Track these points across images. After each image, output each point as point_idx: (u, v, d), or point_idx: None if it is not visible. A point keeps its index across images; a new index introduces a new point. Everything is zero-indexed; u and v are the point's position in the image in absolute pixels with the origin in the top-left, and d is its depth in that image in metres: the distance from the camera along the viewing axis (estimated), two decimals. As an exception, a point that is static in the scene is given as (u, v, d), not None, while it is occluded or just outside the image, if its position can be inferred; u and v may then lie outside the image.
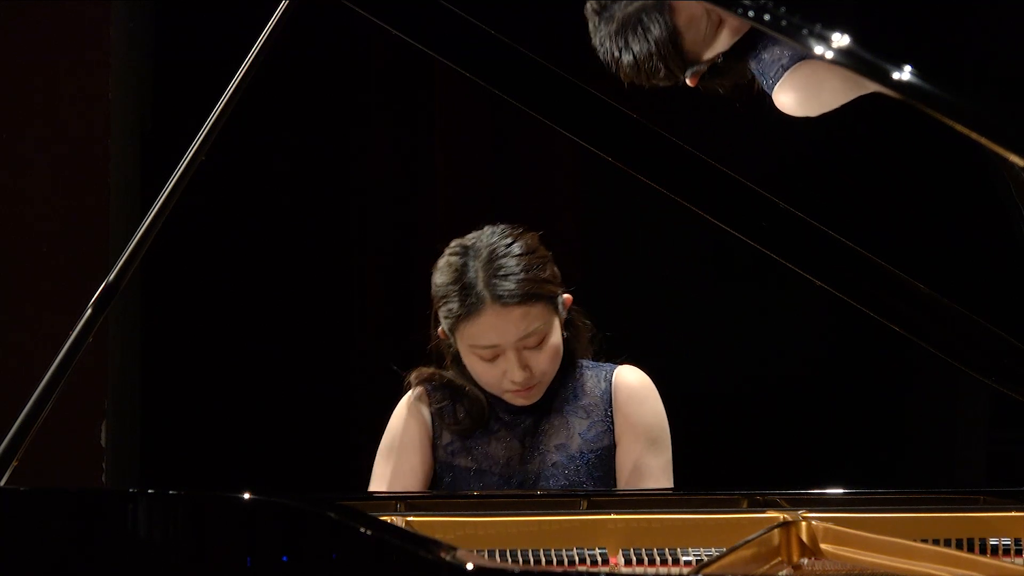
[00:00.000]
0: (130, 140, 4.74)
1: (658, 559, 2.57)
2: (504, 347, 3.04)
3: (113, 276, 2.71)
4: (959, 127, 2.10)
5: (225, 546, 2.31)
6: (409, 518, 2.63)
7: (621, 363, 3.21)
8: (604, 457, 3.12)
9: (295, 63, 4.86)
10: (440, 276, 3.09)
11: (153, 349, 4.96)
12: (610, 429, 3.13)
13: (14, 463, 2.56)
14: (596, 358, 3.23)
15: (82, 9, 4.50)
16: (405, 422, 3.16)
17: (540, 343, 3.05)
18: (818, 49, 2.16)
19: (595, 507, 2.79)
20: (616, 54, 2.71)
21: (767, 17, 2.21)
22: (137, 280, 4.74)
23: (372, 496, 3.03)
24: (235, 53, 2.84)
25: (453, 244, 3.12)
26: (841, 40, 2.15)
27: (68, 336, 2.66)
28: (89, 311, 2.68)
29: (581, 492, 3.04)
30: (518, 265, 3.05)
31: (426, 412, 3.15)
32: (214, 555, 2.31)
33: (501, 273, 3.04)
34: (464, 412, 3.12)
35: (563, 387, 3.14)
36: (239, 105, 2.82)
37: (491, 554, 2.58)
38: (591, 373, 3.17)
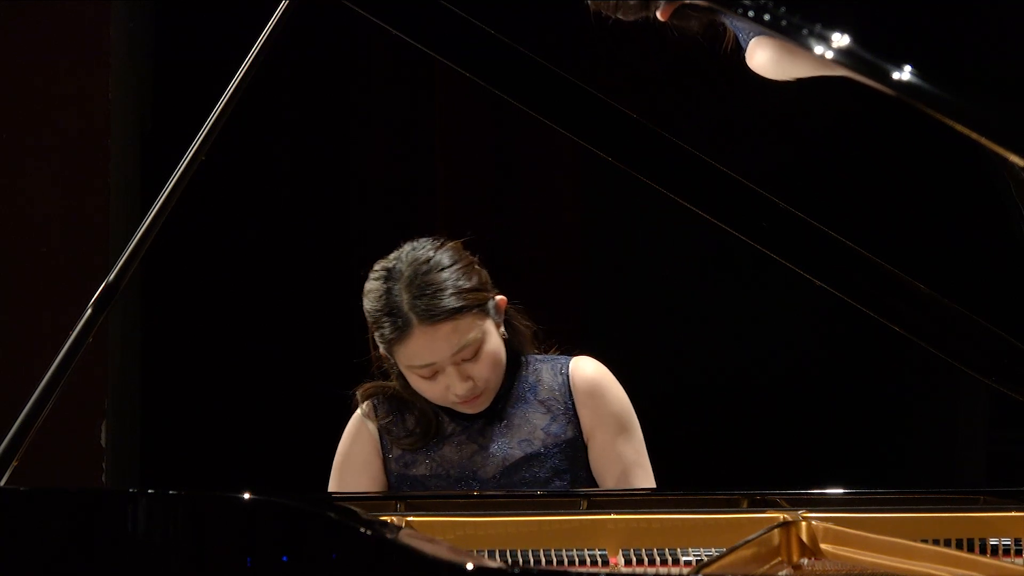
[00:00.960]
0: (130, 140, 4.74)
1: (658, 559, 2.57)
2: (441, 364, 3.02)
3: (113, 276, 2.71)
4: (959, 127, 2.10)
5: (225, 546, 2.31)
6: (409, 518, 2.62)
7: (575, 355, 3.20)
8: (568, 450, 3.11)
9: (295, 63, 4.86)
10: (368, 302, 3.07)
11: (153, 349, 4.96)
12: (573, 422, 3.12)
13: (14, 463, 2.56)
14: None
15: (82, 9, 4.50)
16: (352, 440, 3.17)
17: (476, 353, 3.03)
18: (818, 49, 2.16)
19: (595, 507, 2.79)
20: None
21: (767, 17, 2.21)
22: (137, 280, 4.74)
23: (372, 496, 3.03)
24: (235, 53, 2.84)
25: (376, 267, 3.09)
26: (841, 40, 2.14)
27: (68, 336, 2.66)
28: (89, 311, 2.68)
29: (581, 492, 3.03)
30: (441, 280, 3.02)
31: (373, 428, 3.15)
32: (214, 555, 2.31)
33: (426, 292, 3.01)
34: (413, 424, 3.12)
35: (517, 385, 3.13)
36: (239, 105, 2.82)
37: (491, 554, 2.58)
38: (546, 367, 3.16)
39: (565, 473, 3.10)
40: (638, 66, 4.48)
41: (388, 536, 2.28)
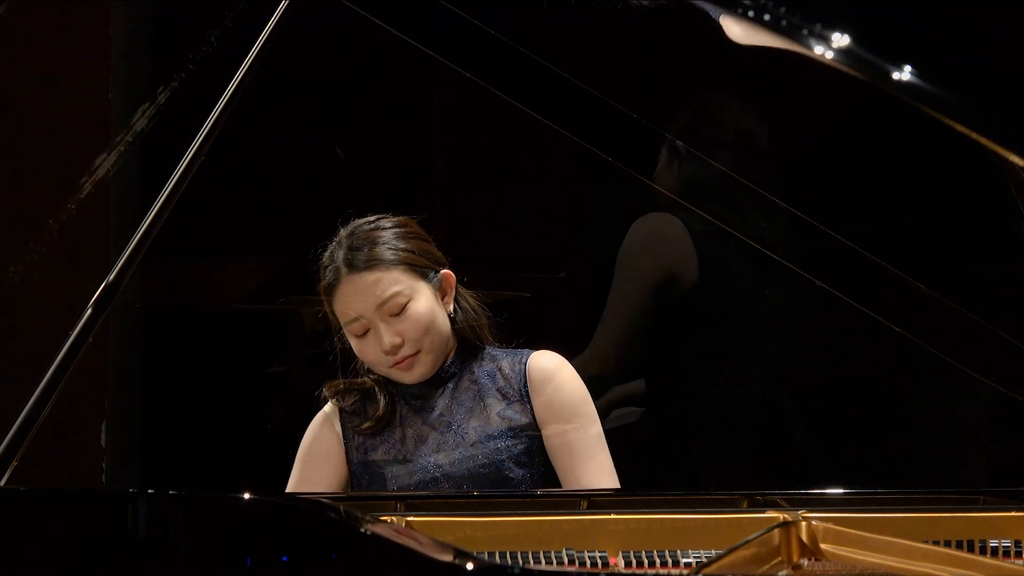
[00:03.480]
0: (130, 140, 4.74)
1: (658, 560, 2.57)
2: (368, 318, 3.11)
3: (113, 276, 2.71)
4: (959, 127, 2.10)
5: (225, 546, 2.31)
6: (409, 518, 2.62)
7: (538, 348, 3.22)
8: (523, 436, 3.12)
9: (295, 63, 4.86)
10: (318, 271, 3.20)
11: (153, 348, 4.95)
12: (528, 410, 3.13)
13: (14, 463, 2.56)
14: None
15: (82, 9, 4.50)
16: (316, 434, 3.23)
17: (403, 310, 3.10)
18: (818, 49, 2.16)
19: (595, 507, 2.79)
20: None
21: (767, 17, 2.21)
22: (137, 280, 4.74)
23: (372, 496, 3.03)
24: (235, 53, 2.84)
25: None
26: (841, 40, 2.14)
27: (68, 336, 2.66)
28: (89, 311, 2.68)
29: (581, 492, 3.04)
30: (375, 237, 3.14)
31: (337, 423, 3.22)
32: (214, 555, 2.31)
33: (357, 246, 3.14)
34: (372, 410, 3.18)
35: (476, 371, 3.16)
36: (239, 105, 2.82)
37: (491, 554, 2.58)
38: (507, 358, 3.20)
39: (522, 456, 3.11)
40: (638, 66, 4.48)
41: (388, 536, 2.28)
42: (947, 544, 2.60)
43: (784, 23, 2.20)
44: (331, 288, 3.16)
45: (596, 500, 2.84)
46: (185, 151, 2.79)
